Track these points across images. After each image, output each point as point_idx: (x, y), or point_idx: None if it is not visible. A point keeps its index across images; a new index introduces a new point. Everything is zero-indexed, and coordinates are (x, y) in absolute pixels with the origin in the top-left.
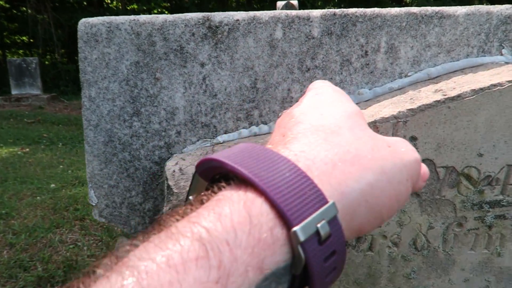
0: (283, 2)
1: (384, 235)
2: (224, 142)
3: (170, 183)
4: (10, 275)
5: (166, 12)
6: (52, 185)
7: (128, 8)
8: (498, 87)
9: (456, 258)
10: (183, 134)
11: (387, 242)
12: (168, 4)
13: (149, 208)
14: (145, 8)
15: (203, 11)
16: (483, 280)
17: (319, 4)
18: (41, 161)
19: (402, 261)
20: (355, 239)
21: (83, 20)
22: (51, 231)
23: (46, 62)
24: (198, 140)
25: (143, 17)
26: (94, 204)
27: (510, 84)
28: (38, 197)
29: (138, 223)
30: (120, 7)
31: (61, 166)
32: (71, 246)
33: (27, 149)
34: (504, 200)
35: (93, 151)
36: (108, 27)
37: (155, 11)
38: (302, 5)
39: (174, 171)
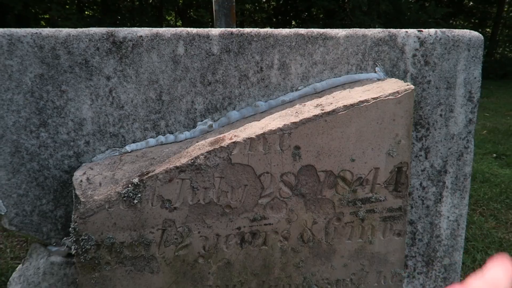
0: None
1: (276, 231)
2: (132, 151)
3: (78, 192)
4: None
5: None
6: None
7: None
8: (365, 103)
9: (337, 247)
10: (91, 143)
11: (278, 237)
12: None
13: (60, 215)
14: None
15: (140, 4)
16: (359, 264)
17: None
18: None
19: (292, 253)
20: (250, 235)
21: None
22: None
23: None
24: (107, 149)
25: (46, 31)
26: (3, 214)
27: (374, 101)
28: None
29: (50, 230)
30: None
31: None
32: None
33: None
34: (373, 197)
35: None
36: (9, 39)
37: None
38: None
39: (81, 180)
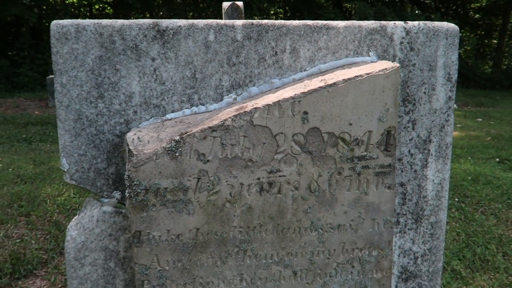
0: (229, 3)
1: (288, 182)
2: (171, 118)
3: (131, 147)
4: None
5: (108, 7)
6: None
7: (67, 1)
8: (360, 77)
9: (338, 197)
10: (138, 113)
11: (290, 187)
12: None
13: (112, 172)
14: (85, 2)
15: (148, 8)
16: (356, 212)
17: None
18: None
19: (301, 200)
20: (268, 185)
21: (55, 21)
22: None
23: None
24: (151, 118)
25: (105, 21)
26: (65, 170)
27: (367, 75)
28: None
29: (103, 184)
30: (58, 1)
31: (0, 165)
32: (17, 241)
33: None
34: (367, 155)
35: (64, 127)
36: (76, 28)
37: (96, 6)
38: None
39: (133, 139)
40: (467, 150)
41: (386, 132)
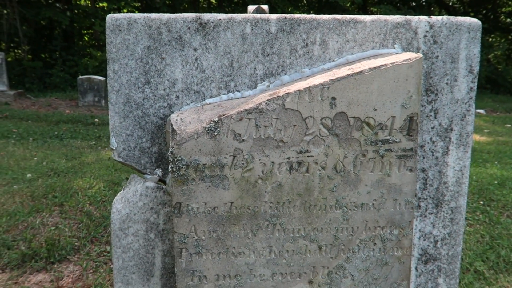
0: (254, 7)
1: (316, 162)
2: (210, 103)
3: (174, 127)
4: None
5: (136, 11)
6: (29, 175)
7: (98, 5)
8: (385, 67)
9: (362, 177)
10: (180, 98)
11: (318, 166)
12: (139, 3)
13: (155, 151)
14: (115, 6)
15: (175, 12)
16: (379, 192)
17: (289, 10)
18: (13, 154)
19: (328, 180)
20: (297, 164)
21: (110, 15)
22: (31, 215)
23: (9, 59)
24: (191, 102)
25: (153, 15)
26: (114, 148)
27: (392, 65)
28: (14, 186)
29: (147, 162)
30: (89, 4)
31: (35, 159)
32: (52, 228)
33: None
34: (391, 139)
35: (115, 109)
36: (128, 21)
37: (125, 10)
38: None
39: (176, 120)
40: (494, 155)
41: (408, 118)
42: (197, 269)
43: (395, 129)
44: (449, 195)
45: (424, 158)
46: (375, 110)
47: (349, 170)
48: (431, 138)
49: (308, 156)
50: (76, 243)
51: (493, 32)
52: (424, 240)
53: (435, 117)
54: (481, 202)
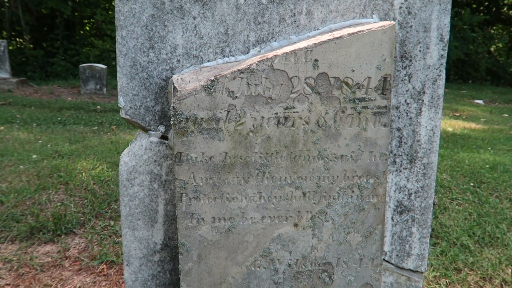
0: None
1: (300, 117)
2: (207, 66)
3: (176, 85)
4: (3, 226)
5: None
6: (34, 156)
7: None
8: (361, 32)
9: (341, 131)
10: (181, 61)
11: (302, 121)
12: None
13: (158, 110)
14: None
15: None
16: (356, 145)
17: None
18: (18, 137)
19: (311, 133)
20: (283, 119)
21: None
22: (38, 192)
23: (11, 47)
24: (191, 66)
25: None
26: (121, 106)
27: (368, 30)
28: (21, 166)
29: (151, 119)
30: None
31: (39, 142)
32: (58, 204)
33: (1, 128)
34: (367, 97)
35: (122, 71)
36: None
37: None
38: None
39: (177, 79)
40: (488, 141)
41: (383, 79)
42: (195, 212)
43: (371, 88)
44: (422, 152)
45: (399, 118)
46: (353, 71)
47: (330, 124)
48: (405, 100)
49: (294, 112)
50: (81, 218)
51: (495, 24)
52: (400, 193)
53: (409, 81)
54: (472, 184)
